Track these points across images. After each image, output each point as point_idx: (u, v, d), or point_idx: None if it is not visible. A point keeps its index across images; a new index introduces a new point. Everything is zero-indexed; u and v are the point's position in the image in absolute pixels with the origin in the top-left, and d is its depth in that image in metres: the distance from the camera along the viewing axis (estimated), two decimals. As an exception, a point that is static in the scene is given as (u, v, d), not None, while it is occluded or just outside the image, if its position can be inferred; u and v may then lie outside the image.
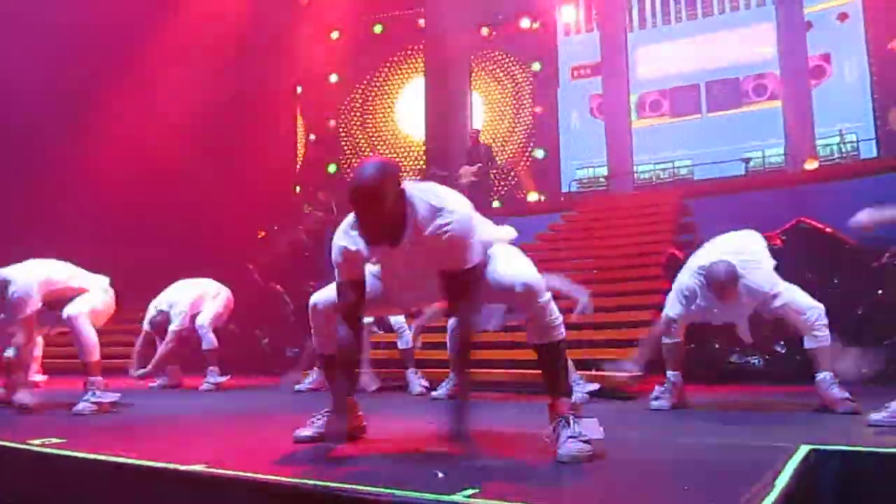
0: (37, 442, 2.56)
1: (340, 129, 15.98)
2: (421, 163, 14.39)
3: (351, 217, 2.47)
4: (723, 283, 3.79)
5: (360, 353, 2.66)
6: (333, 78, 15.83)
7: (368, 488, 1.81)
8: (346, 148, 15.82)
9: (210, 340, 5.99)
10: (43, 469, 2.43)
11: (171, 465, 2.13)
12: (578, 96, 14.43)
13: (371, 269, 2.68)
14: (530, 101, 14.66)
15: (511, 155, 14.63)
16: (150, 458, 2.22)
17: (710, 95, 13.43)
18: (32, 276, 4.13)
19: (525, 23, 14.48)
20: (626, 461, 2.46)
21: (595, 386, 4.80)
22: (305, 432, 2.75)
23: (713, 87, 13.41)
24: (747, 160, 12.36)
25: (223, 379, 5.90)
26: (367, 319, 5.35)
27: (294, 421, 2.90)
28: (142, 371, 5.77)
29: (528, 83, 14.74)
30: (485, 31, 14.51)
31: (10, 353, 4.17)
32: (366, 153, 15.33)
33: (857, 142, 11.96)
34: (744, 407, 4.30)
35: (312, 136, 15.99)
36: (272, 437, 3.01)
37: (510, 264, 2.51)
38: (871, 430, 2.95)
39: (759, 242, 4.13)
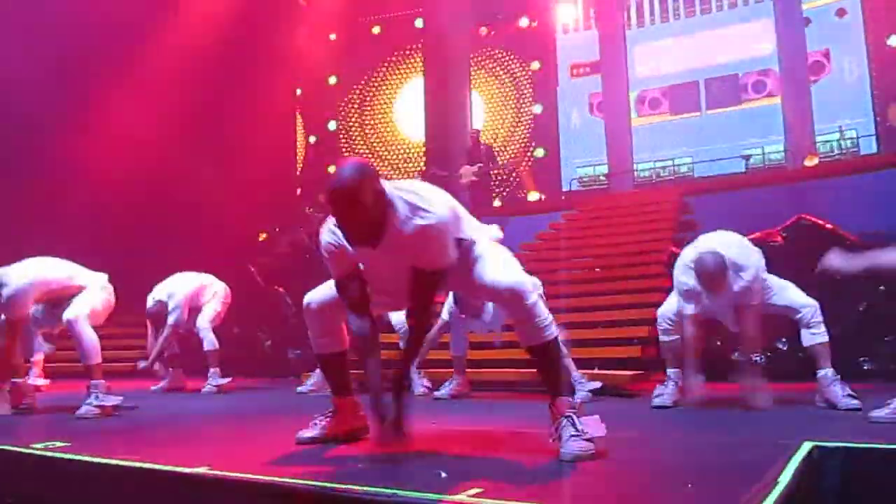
0: (40, 445, 2.56)
1: (340, 131, 15.99)
2: (421, 163, 14.39)
3: None
4: (711, 273, 3.80)
5: (378, 344, 2.64)
6: (332, 79, 15.83)
7: (370, 488, 1.81)
8: (346, 149, 15.82)
9: (211, 341, 5.98)
10: (46, 472, 2.43)
11: (175, 468, 2.14)
12: (578, 95, 14.43)
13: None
14: (530, 99, 14.66)
15: (513, 155, 14.62)
16: (153, 460, 2.22)
17: (710, 93, 13.42)
18: (27, 275, 4.11)
19: (523, 21, 14.47)
20: (628, 459, 2.46)
21: (597, 384, 4.80)
22: (308, 434, 2.75)
23: (712, 85, 13.41)
24: (747, 157, 12.36)
25: (225, 381, 5.90)
26: None
27: (296, 422, 2.90)
28: (144, 363, 5.86)
29: (527, 82, 14.74)
30: (483, 30, 14.50)
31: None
32: (366, 154, 15.33)
33: (857, 138, 11.95)
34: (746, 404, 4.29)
35: (313, 138, 15.99)
36: (274, 438, 3.01)
37: (497, 267, 2.49)
38: (873, 427, 2.95)
39: (743, 238, 4.15)
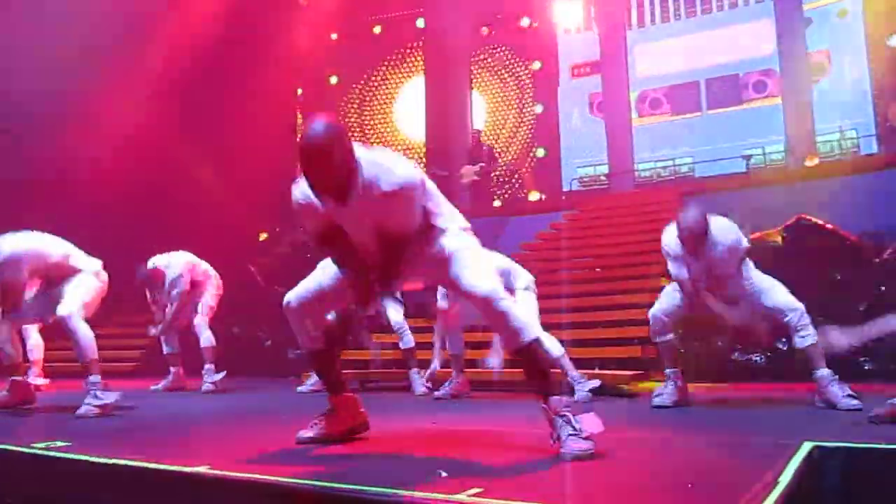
0: (41, 445, 2.56)
1: (341, 131, 15.97)
2: (422, 163, 14.39)
3: None
4: (692, 225, 3.83)
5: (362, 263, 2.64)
6: (333, 79, 15.84)
7: (371, 488, 1.82)
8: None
9: (208, 338, 5.99)
10: (47, 472, 2.43)
11: (175, 468, 2.14)
12: (578, 95, 14.42)
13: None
14: (531, 100, 14.66)
15: (514, 156, 14.61)
16: (154, 460, 2.22)
17: (711, 93, 13.41)
18: (24, 244, 4.10)
19: (524, 22, 14.46)
20: (628, 459, 2.46)
21: (596, 383, 4.80)
22: (307, 434, 2.76)
23: (713, 85, 13.40)
24: (748, 157, 12.34)
25: (220, 376, 5.90)
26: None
27: (296, 422, 2.90)
28: (154, 330, 5.96)
29: (528, 82, 14.73)
30: (484, 30, 14.49)
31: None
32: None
33: (858, 138, 11.94)
34: (746, 404, 4.30)
35: (313, 138, 15.98)
36: (274, 438, 3.01)
37: (473, 272, 2.51)
38: (874, 427, 2.95)
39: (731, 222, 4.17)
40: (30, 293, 4.29)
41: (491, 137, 14.36)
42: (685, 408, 4.03)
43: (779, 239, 6.34)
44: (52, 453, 2.47)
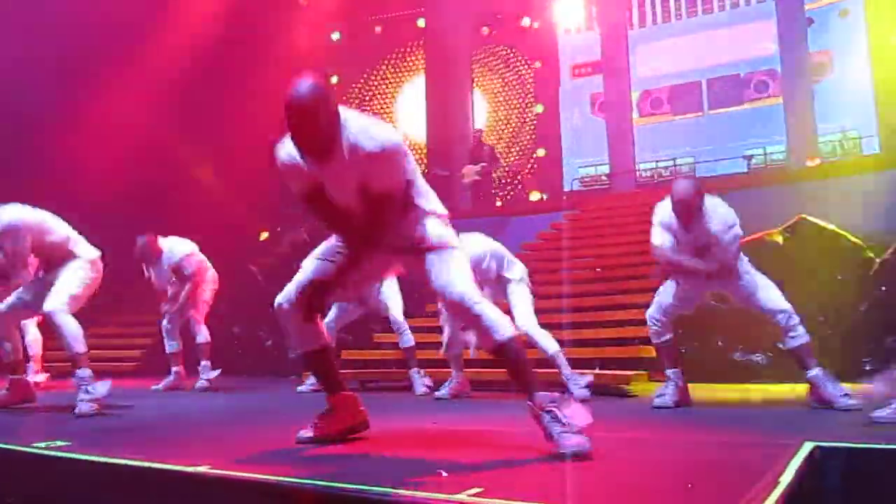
0: (41, 445, 2.56)
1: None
2: (422, 163, 14.39)
3: None
4: (683, 196, 3.86)
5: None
6: (334, 79, 15.83)
7: (371, 488, 1.81)
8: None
9: (203, 335, 6.00)
10: (48, 472, 2.43)
11: (176, 467, 2.14)
12: (579, 95, 14.42)
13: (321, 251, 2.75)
14: (532, 100, 14.66)
15: (515, 156, 14.61)
16: (154, 460, 2.22)
17: (712, 93, 13.41)
18: (24, 214, 4.09)
19: (525, 21, 14.46)
20: (629, 459, 2.46)
21: (588, 379, 4.81)
22: (307, 434, 2.75)
23: (714, 85, 13.39)
24: (749, 157, 12.35)
25: (215, 374, 5.91)
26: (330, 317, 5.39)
27: (296, 422, 2.90)
28: (167, 307, 5.96)
29: (528, 82, 14.73)
30: (485, 30, 14.49)
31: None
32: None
33: (859, 138, 11.93)
34: (747, 404, 4.30)
35: (314, 138, 15.99)
36: (275, 438, 3.01)
37: (450, 272, 2.54)
38: (875, 427, 2.94)
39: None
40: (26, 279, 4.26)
41: (492, 137, 14.35)
42: (685, 408, 4.03)
43: (780, 239, 6.33)
44: (52, 453, 2.46)
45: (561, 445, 2.29)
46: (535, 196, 12.86)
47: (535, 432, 2.45)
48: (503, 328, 2.48)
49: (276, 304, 2.77)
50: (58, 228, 4.23)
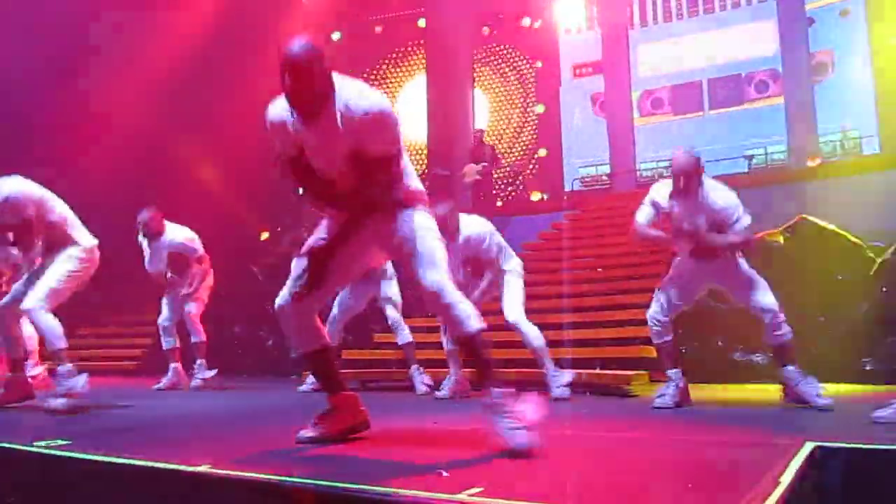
0: (42, 444, 2.56)
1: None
2: (423, 162, 14.39)
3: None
4: (682, 164, 3.89)
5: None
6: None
7: (372, 487, 1.81)
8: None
9: (199, 333, 6.01)
10: (48, 471, 2.43)
11: (176, 467, 2.14)
12: (580, 94, 14.41)
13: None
14: (532, 99, 14.65)
15: (516, 156, 14.61)
16: (155, 459, 2.22)
17: (713, 92, 13.40)
18: (25, 187, 4.05)
19: (526, 21, 14.46)
20: (629, 459, 2.46)
21: (568, 378, 4.83)
22: (308, 434, 2.76)
23: (715, 85, 13.38)
24: (750, 157, 12.34)
25: (211, 373, 5.91)
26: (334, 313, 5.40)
27: (297, 421, 2.90)
28: (186, 290, 6.00)
29: (529, 82, 14.73)
30: (485, 30, 14.49)
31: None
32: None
33: (860, 138, 11.92)
34: (748, 404, 4.30)
35: (315, 137, 15.99)
36: (275, 437, 3.01)
37: (427, 261, 2.58)
38: (876, 427, 2.94)
39: None
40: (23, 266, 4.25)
41: (493, 137, 14.35)
42: (686, 408, 4.03)
43: (781, 239, 6.33)
44: (53, 452, 2.47)
45: (508, 441, 2.34)
46: (535, 196, 12.86)
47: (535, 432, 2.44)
48: (472, 321, 2.55)
49: (276, 307, 2.78)
50: (59, 209, 4.19)
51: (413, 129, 14.73)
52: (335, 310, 5.56)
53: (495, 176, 13.02)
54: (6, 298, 4.26)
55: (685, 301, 4.17)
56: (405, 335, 5.56)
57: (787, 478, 1.94)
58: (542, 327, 6.75)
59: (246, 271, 9.38)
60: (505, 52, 14.87)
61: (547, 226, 9.41)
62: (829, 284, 5.97)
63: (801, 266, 6.08)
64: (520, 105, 14.80)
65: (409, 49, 15.38)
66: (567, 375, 4.81)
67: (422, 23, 14.39)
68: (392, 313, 5.57)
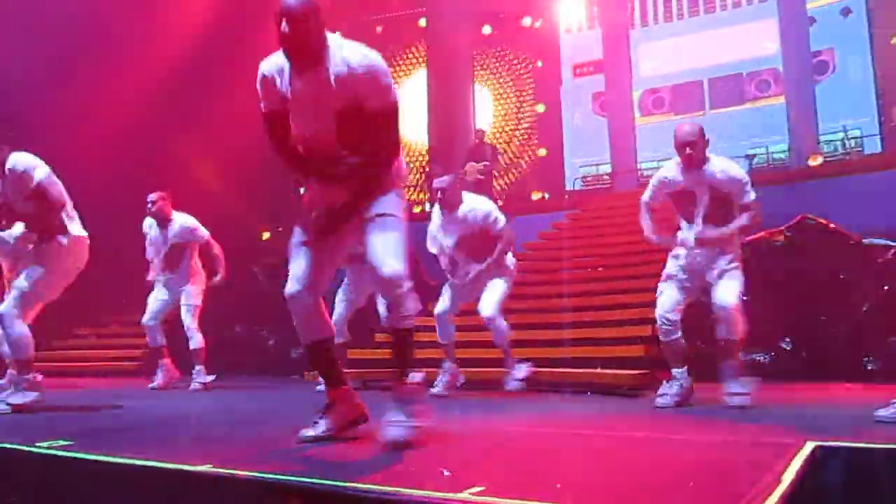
0: (44, 444, 2.57)
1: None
2: (424, 162, 14.40)
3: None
4: (686, 135, 3.95)
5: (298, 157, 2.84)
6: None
7: (373, 486, 1.82)
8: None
9: (198, 339, 6.00)
10: (50, 471, 2.44)
11: (178, 466, 2.14)
12: (581, 94, 14.40)
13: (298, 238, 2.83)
14: (533, 99, 14.64)
15: (517, 155, 14.60)
16: (156, 459, 2.22)
17: (714, 92, 13.39)
18: (36, 159, 4.06)
19: (527, 21, 14.45)
20: (630, 458, 2.46)
21: (525, 372, 4.93)
22: (310, 432, 2.76)
23: (716, 84, 13.37)
24: (751, 157, 12.33)
25: (210, 379, 5.91)
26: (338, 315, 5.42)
27: (298, 421, 2.91)
28: (216, 278, 6.07)
29: (530, 81, 14.72)
30: (486, 29, 14.48)
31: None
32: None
33: (861, 137, 11.92)
34: (749, 403, 4.28)
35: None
36: (277, 437, 3.02)
37: (387, 250, 2.66)
38: (877, 426, 2.94)
39: None
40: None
41: (493, 136, 14.34)
42: (687, 407, 4.02)
43: (782, 239, 6.33)
44: (54, 452, 2.47)
45: (385, 432, 2.53)
46: (536, 195, 12.85)
47: (535, 432, 2.45)
48: (410, 320, 2.71)
49: (287, 295, 2.80)
50: (61, 191, 4.15)
51: (414, 128, 14.74)
52: (338, 308, 5.56)
53: (495, 175, 13.00)
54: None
55: (690, 294, 4.19)
56: None
57: (787, 477, 1.94)
58: (543, 327, 6.78)
59: (246, 271, 9.37)
60: (505, 51, 14.86)
61: (547, 225, 9.40)
62: (830, 284, 5.96)
63: (802, 266, 6.08)
64: (521, 104, 14.79)
65: (410, 49, 15.38)
66: (523, 371, 4.96)
67: (422, 22, 14.38)
68: (385, 311, 5.58)
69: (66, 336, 9.45)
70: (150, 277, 6.18)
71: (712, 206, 4.04)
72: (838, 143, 12.06)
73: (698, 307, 4.38)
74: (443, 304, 5.10)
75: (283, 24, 2.56)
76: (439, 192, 5.05)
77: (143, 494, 2.18)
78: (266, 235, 12.14)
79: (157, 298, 6.12)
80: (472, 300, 5.19)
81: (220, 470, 2.08)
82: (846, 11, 12.37)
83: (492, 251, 5.01)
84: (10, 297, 4.04)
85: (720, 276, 4.02)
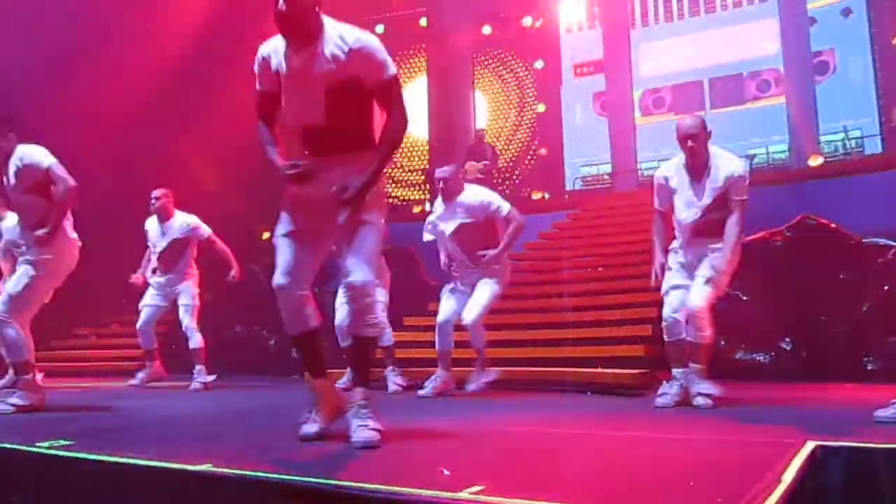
0: (44, 444, 2.57)
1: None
2: (424, 161, 14.39)
3: None
4: (687, 128, 3.95)
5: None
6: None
7: (374, 485, 1.82)
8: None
9: (198, 340, 6.01)
10: (51, 471, 2.44)
11: (178, 466, 2.14)
12: (581, 94, 14.40)
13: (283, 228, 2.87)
14: (533, 99, 14.64)
15: (517, 155, 14.59)
16: (156, 458, 2.22)
17: (714, 92, 13.38)
18: (44, 151, 4.11)
19: (527, 21, 14.45)
20: (630, 458, 2.46)
21: (492, 376, 4.96)
22: (310, 428, 2.79)
23: (716, 84, 13.37)
24: (751, 157, 12.32)
25: (210, 378, 5.92)
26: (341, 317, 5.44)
27: (299, 420, 2.91)
28: (231, 273, 6.06)
29: (530, 81, 14.71)
30: (487, 29, 14.48)
31: None
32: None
33: (862, 138, 11.91)
34: (749, 403, 4.29)
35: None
36: (277, 436, 3.02)
37: (361, 255, 2.72)
38: (877, 427, 2.94)
39: None
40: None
41: (494, 136, 14.34)
42: (687, 407, 4.02)
43: (782, 239, 6.32)
44: (55, 452, 2.47)
45: (355, 436, 2.58)
46: (536, 195, 12.85)
47: (535, 431, 2.45)
48: (376, 329, 2.83)
49: (276, 286, 2.83)
50: (65, 188, 4.13)
51: (414, 128, 14.74)
52: (338, 313, 5.54)
53: (495, 175, 12.99)
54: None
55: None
56: (388, 338, 5.56)
57: (788, 477, 1.94)
58: (543, 326, 6.77)
59: (246, 271, 9.36)
60: (506, 51, 14.85)
61: (548, 225, 9.40)
62: (830, 284, 5.96)
63: (802, 266, 6.08)
64: (521, 104, 14.78)
65: (411, 48, 15.37)
66: (492, 375, 5.02)
67: (423, 22, 14.39)
68: (348, 319, 5.55)
69: (66, 336, 9.44)
70: (133, 278, 6.16)
71: (712, 206, 4.03)
72: (839, 143, 12.05)
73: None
74: (444, 313, 5.06)
75: (280, 1, 2.62)
76: (441, 182, 5.06)
77: (143, 494, 2.18)
78: (266, 235, 12.12)
79: (148, 304, 6.13)
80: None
81: (220, 470, 2.08)
82: (847, 12, 12.36)
83: (488, 249, 4.98)
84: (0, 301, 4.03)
85: (702, 268, 4.03)
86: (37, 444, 2.56)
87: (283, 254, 2.83)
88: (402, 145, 16.99)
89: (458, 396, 4.98)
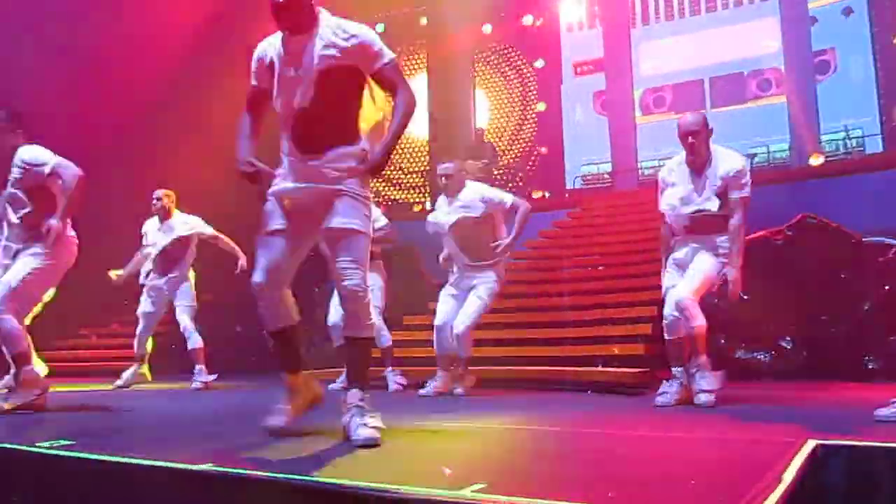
0: (45, 444, 2.57)
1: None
2: (424, 160, 14.39)
3: None
4: (689, 124, 3.95)
5: (258, 132, 3.01)
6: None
7: (374, 484, 1.81)
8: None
9: (196, 340, 6.01)
10: (51, 471, 2.44)
11: (178, 465, 2.14)
12: (582, 93, 14.40)
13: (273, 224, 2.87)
14: (534, 98, 14.64)
15: (517, 154, 14.59)
16: (157, 458, 2.22)
17: (715, 91, 13.38)
18: (47, 152, 4.14)
19: (528, 20, 14.44)
20: (631, 457, 2.46)
21: (471, 382, 4.97)
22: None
23: (717, 83, 13.37)
24: (752, 156, 12.31)
25: (211, 378, 5.93)
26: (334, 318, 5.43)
27: (299, 420, 2.91)
28: (240, 264, 6.03)
29: (531, 80, 14.71)
30: (487, 28, 14.48)
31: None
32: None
33: (863, 137, 11.91)
34: (750, 402, 4.29)
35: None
36: (277, 436, 3.01)
37: (351, 256, 2.74)
38: (877, 426, 2.94)
39: None
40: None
41: (494, 135, 14.34)
42: (687, 406, 4.02)
43: (782, 238, 6.32)
44: (56, 452, 2.47)
45: (354, 436, 2.59)
46: (537, 194, 12.85)
47: (536, 430, 2.45)
48: (367, 327, 2.81)
49: (255, 285, 2.86)
50: (69, 186, 4.15)
51: (414, 128, 14.74)
52: (332, 312, 5.54)
53: (495, 174, 13.00)
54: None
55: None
56: (385, 339, 5.57)
57: (788, 476, 1.94)
58: (543, 325, 6.77)
59: (248, 271, 9.38)
60: (506, 50, 14.85)
61: (548, 224, 9.40)
62: (831, 283, 5.96)
63: (802, 265, 6.07)
64: (521, 103, 14.78)
65: (411, 47, 15.36)
66: (471, 382, 5.03)
67: (423, 21, 14.38)
68: (341, 321, 5.55)
69: (67, 336, 9.45)
70: (114, 277, 6.08)
71: (710, 203, 4.03)
72: (839, 142, 12.05)
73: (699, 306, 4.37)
74: (442, 315, 5.06)
75: None
76: (443, 178, 5.09)
77: (143, 494, 2.18)
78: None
79: (145, 312, 6.14)
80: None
81: (220, 469, 2.08)
82: (848, 11, 12.36)
83: (487, 250, 4.99)
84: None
85: (695, 262, 4.04)
86: (37, 444, 2.55)
87: (265, 253, 2.85)
88: (402, 146, 17.03)
89: (472, 395, 4.99)
